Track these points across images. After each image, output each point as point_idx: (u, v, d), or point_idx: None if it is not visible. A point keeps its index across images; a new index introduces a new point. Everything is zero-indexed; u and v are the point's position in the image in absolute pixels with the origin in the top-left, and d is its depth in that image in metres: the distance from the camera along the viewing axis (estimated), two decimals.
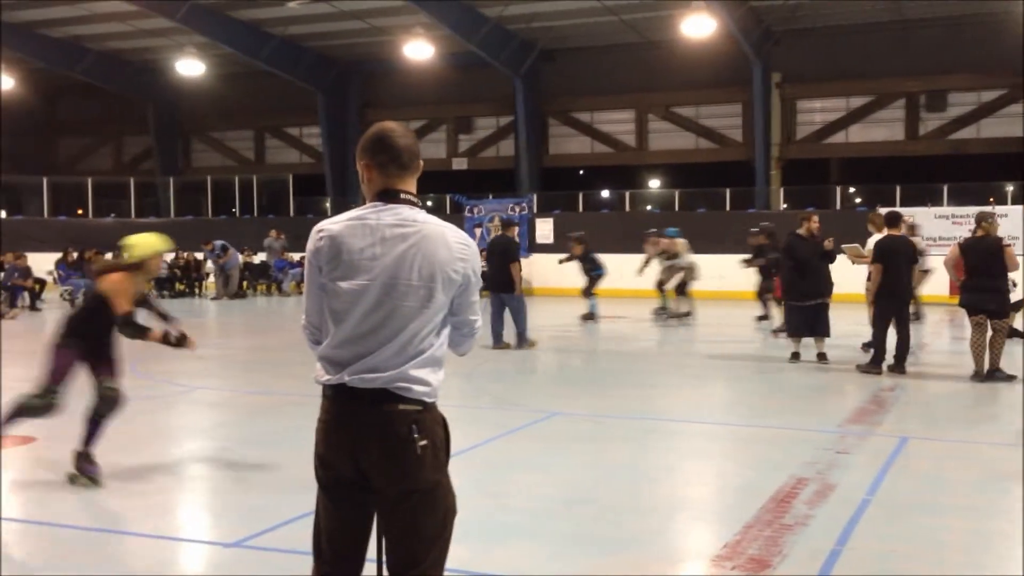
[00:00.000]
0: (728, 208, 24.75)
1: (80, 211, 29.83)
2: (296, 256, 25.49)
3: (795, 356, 11.30)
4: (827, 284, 11.16)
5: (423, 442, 2.68)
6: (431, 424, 2.73)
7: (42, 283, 21.27)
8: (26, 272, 20.46)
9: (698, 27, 21.90)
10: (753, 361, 12.01)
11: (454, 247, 2.76)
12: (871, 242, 11.49)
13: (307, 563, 4.61)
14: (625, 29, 25.48)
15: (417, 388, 2.71)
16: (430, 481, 2.72)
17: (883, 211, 12.33)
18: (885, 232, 10.64)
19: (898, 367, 10.22)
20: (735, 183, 25.68)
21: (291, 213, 28.97)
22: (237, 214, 29.44)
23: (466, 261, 2.79)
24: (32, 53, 27.11)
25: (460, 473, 3.28)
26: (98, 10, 24.65)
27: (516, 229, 13.83)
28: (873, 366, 10.30)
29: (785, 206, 25.21)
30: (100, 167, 33.11)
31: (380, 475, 2.70)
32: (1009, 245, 10.10)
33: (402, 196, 2.79)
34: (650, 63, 26.51)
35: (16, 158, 32.13)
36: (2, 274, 20.84)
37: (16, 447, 7.17)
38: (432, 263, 2.71)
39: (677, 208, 26.06)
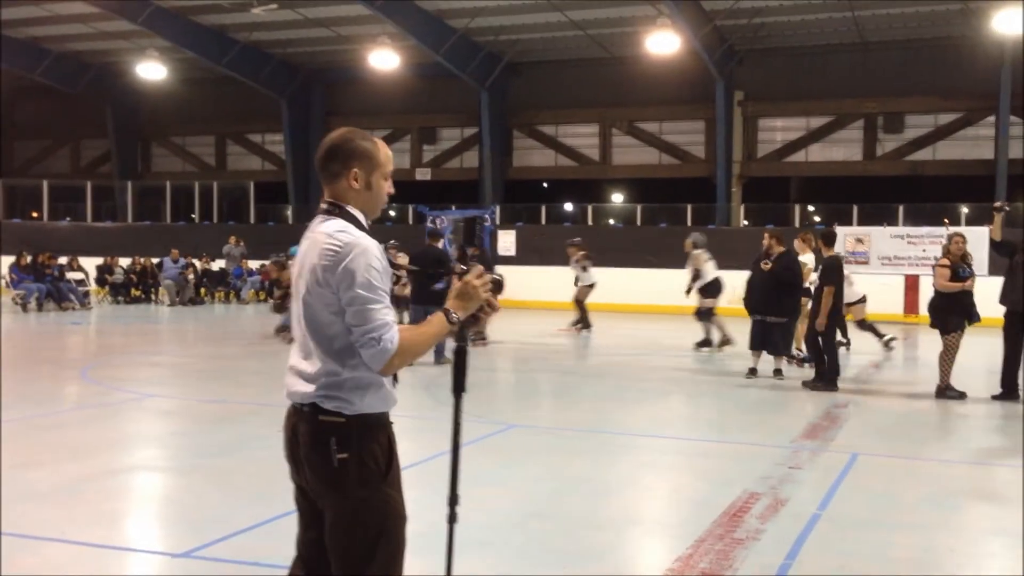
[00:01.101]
0: (689, 223, 24.93)
1: (35, 214, 29.35)
2: (255, 264, 25.31)
3: (752, 372, 11.40)
4: (783, 302, 11.17)
5: (342, 455, 2.66)
6: (355, 437, 2.69)
7: None
8: None
9: (663, 44, 22.12)
10: (712, 376, 12.08)
11: (321, 250, 2.70)
12: (803, 260, 11.80)
13: (257, 572, 4.57)
14: (591, 44, 25.65)
15: (335, 400, 2.69)
16: (352, 497, 2.68)
17: (816, 230, 12.56)
18: (826, 252, 10.77)
19: (832, 384, 10.44)
20: (696, 199, 25.91)
21: (252, 220, 28.75)
22: (197, 220, 29.14)
23: (331, 264, 2.66)
24: None
25: (414, 485, 3.26)
26: (59, 11, 24.34)
27: (442, 241, 14.05)
28: (827, 384, 10.41)
29: (745, 223, 25.48)
30: (57, 170, 32.62)
31: (309, 485, 2.78)
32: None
33: (321, 206, 2.84)
34: (615, 78, 26.69)
35: None
36: None
37: None
38: (311, 271, 2.71)
39: (639, 222, 26.22)
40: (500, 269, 23.59)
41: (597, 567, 4.77)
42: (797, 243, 12.25)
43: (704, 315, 14.21)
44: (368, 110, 29.08)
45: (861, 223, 22.74)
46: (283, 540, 4.82)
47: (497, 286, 2.93)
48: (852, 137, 26.02)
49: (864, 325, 14.29)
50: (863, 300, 14.17)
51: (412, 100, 28.44)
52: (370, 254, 2.67)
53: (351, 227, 2.73)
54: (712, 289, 13.95)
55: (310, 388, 2.72)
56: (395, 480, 2.78)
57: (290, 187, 29.72)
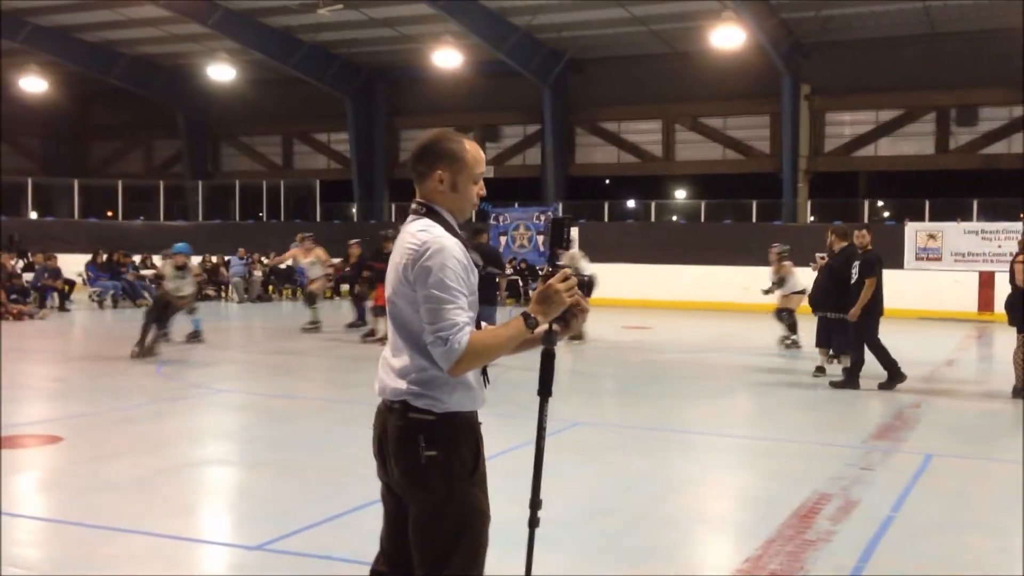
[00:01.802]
0: (755, 220, 24.67)
1: (110, 213, 30.16)
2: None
3: (820, 370, 11.23)
4: (841, 298, 10.60)
5: (430, 452, 2.69)
6: (444, 435, 2.71)
7: (71, 284, 21.51)
8: (56, 273, 20.71)
9: (727, 38, 21.88)
10: (777, 374, 11.93)
11: (403, 249, 2.74)
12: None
13: (330, 567, 4.66)
14: (654, 40, 25.48)
15: (425, 397, 2.72)
16: (437, 495, 2.71)
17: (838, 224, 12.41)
18: (862, 245, 10.52)
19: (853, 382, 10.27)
20: (762, 195, 25.59)
21: (318, 218, 29.18)
22: (264, 218, 29.67)
23: (410, 262, 2.69)
24: (67, 57, 27.49)
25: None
26: (132, 15, 24.97)
27: (486, 236, 14.28)
28: (891, 380, 10.21)
29: (812, 219, 25.08)
30: (131, 170, 33.47)
31: (395, 481, 2.80)
32: None
33: (410, 206, 2.88)
34: (678, 74, 26.47)
35: (48, 161, 32.60)
36: (32, 275, 21.12)
37: (42, 446, 7.26)
38: (396, 270, 2.76)
39: (703, 219, 26.00)
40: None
41: (664, 566, 4.76)
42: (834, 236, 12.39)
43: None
44: (431, 108, 29.28)
45: (932, 219, 22.23)
46: (356, 534, 4.93)
47: (587, 287, 2.88)
48: (923, 130, 25.44)
49: (782, 316, 14.32)
50: (802, 292, 14.06)
51: (475, 98, 28.56)
52: (447, 253, 2.67)
53: (434, 226, 2.75)
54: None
55: (400, 385, 2.74)
56: (481, 479, 2.80)
57: (355, 185, 30.08)
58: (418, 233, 2.72)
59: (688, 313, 20.97)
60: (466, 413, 2.78)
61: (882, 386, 10.27)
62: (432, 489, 2.70)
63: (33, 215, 29.20)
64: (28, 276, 21.14)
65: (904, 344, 13.84)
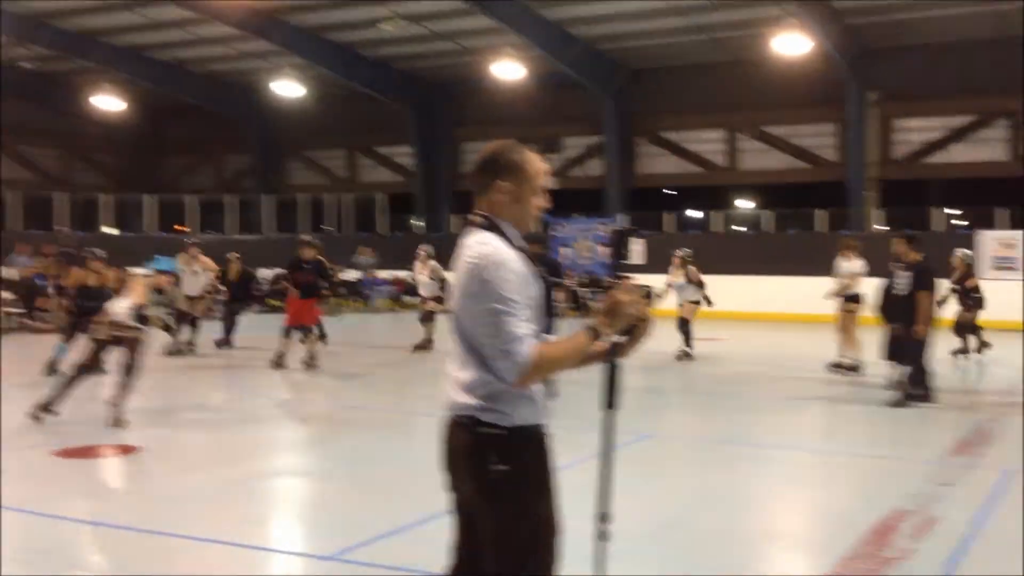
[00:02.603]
0: (821, 229, 24.27)
1: (180, 227, 30.83)
2: (385, 274, 25.96)
3: (896, 384, 10.95)
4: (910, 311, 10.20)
5: (499, 467, 2.68)
6: (513, 449, 2.70)
7: None
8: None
9: (791, 45, 21.60)
10: (848, 387, 11.70)
11: (463, 263, 2.74)
12: (855, 266, 12.31)
13: None
14: (716, 48, 25.27)
15: (493, 412, 2.71)
16: (508, 509, 2.70)
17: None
18: (913, 256, 10.18)
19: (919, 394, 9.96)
20: (829, 204, 25.17)
21: (382, 231, 29.49)
22: (330, 231, 30.07)
23: (469, 276, 2.68)
24: (140, 75, 28.23)
25: None
26: (202, 34, 25.57)
27: (540, 247, 14.05)
28: (910, 400, 9.87)
29: (882, 227, 24.60)
30: (201, 185, 34.19)
31: (464, 496, 2.80)
32: None
33: (469, 218, 2.87)
34: (741, 82, 26.20)
35: (123, 176, 33.49)
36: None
37: (119, 456, 7.44)
38: (458, 283, 2.75)
39: (768, 229, 25.66)
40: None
41: None
42: (849, 251, 12.57)
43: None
44: (492, 120, 29.41)
45: (1013, 227, 21.63)
46: (425, 545, 4.94)
47: (649, 299, 2.87)
48: (998, 136, 24.76)
49: (684, 327, 14.33)
50: (697, 303, 14.11)
51: (536, 110, 28.61)
52: (505, 266, 2.66)
53: (493, 239, 2.74)
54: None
55: (468, 399, 2.74)
56: (551, 492, 2.79)
57: (418, 198, 30.32)
58: (475, 246, 2.72)
59: (755, 324, 20.69)
60: (534, 426, 2.77)
61: (896, 403, 9.82)
62: (503, 503, 2.69)
63: (109, 229, 29.98)
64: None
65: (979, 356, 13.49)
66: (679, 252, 14.45)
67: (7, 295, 18.55)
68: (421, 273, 15.04)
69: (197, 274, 14.54)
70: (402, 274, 26.53)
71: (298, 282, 12.95)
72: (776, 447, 8.17)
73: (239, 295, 16.05)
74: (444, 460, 2.87)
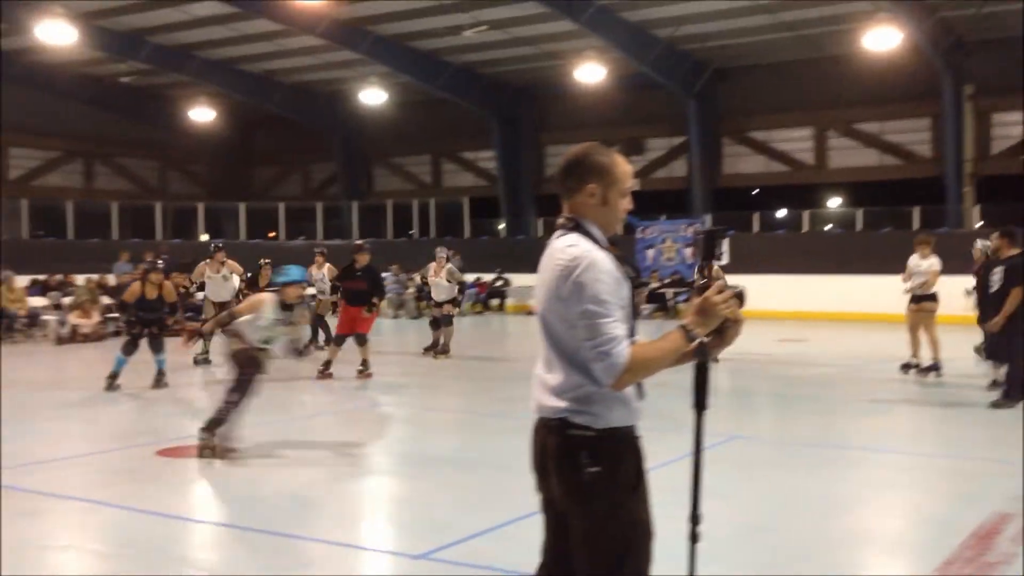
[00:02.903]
0: (916, 227, 23.60)
1: (272, 234, 31.63)
2: (470, 278, 26.14)
3: (994, 384, 10.60)
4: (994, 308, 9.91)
5: (592, 469, 2.68)
6: (606, 451, 2.71)
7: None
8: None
9: (882, 40, 21.05)
10: (943, 387, 11.36)
11: (553, 265, 2.73)
12: (933, 264, 11.96)
13: None
14: (803, 44, 24.81)
15: (584, 414, 2.71)
16: (600, 511, 2.70)
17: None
18: (1008, 251, 9.82)
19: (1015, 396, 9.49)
20: (924, 201, 24.46)
21: (466, 235, 29.74)
22: (416, 236, 30.45)
23: (561, 279, 2.68)
24: (231, 87, 29.07)
25: None
26: (289, 45, 26.18)
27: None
28: (1009, 399, 9.50)
29: (980, 224, 23.78)
30: (290, 193, 35.02)
31: (557, 498, 2.80)
32: None
33: (558, 221, 2.87)
34: (829, 78, 25.66)
35: (216, 186, 34.53)
36: (202, 294, 22.32)
37: (218, 457, 7.66)
38: (547, 286, 2.75)
39: (860, 227, 25.06)
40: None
41: None
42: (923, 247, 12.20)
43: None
44: (575, 123, 29.40)
45: None
46: (515, 544, 4.97)
47: (739, 299, 2.85)
48: None
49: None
50: None
51: (618, 112, 28.50)
52: (599, 267, 2.66)
53: (582, 240, 2.75)
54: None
55: (558, 402, 2.74)
56: (643, 494, 2.79)
57: (502, 202, 30.49)
58: (567, 248, 2.72)
59: (846, 324, 20.23)
60: (626, 428, 2.77)
61: (996, 404, 9.53)
62: (596, 505, 2.69)
63: (204, 237, 30.93)
64: (201, 295, 22.35)
65: None
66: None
67: (109, 301, 19.29)
68: (437, 276, 14.71)
69: (226, 279, 14.29)
70: (487, 277, 26.74)
71: (350, 289, 12.56)
72: (867, 449, 7.98)
73: None
74: (535, 462, 2.88)
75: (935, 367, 12.04)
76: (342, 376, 12.27)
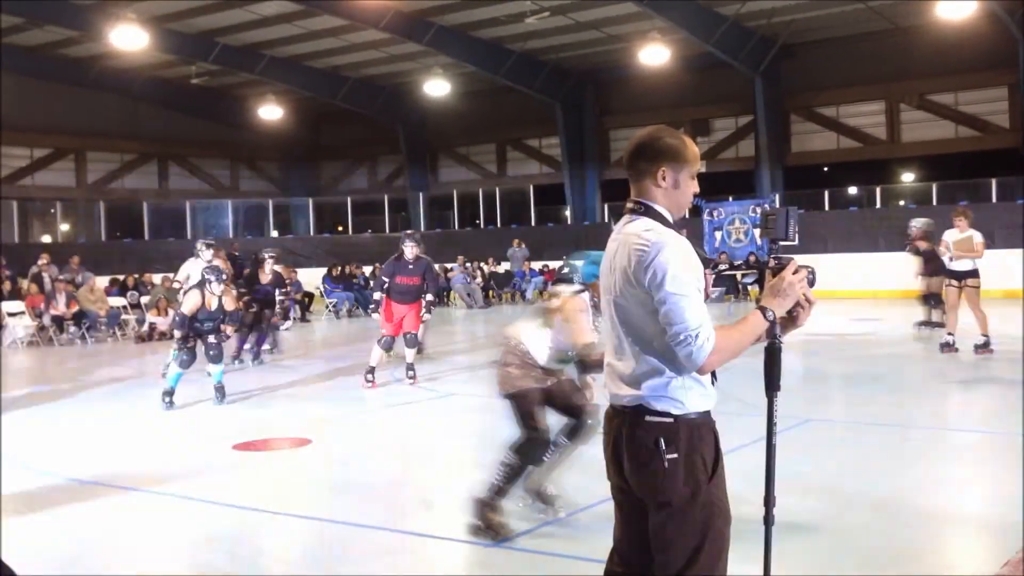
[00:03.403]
0: (994, 199, 22.91)
1: (340, 228, 32.08)
2: (537, 265, 26.22)
3: None
4: None
5: (671, 456, 2.68)
6: (684, 437, 2.70)
7: (311, 296, 23.06)
8: (297, 286, 22.26)
9: (955, 8, 20.43)
10: (1010, 364, 11.01)
11: (631, 250, 2.70)
12: (975, 237, 11.43)
13: (562, 565, 4.77)
14: (872, 16, 24.21)
15: (663, 400, 2.71)
16: (680, 497, 2.70)
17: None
18: None
19: None
20: (1001, 172, 23.70)
21: (532, 223, 29.77)
22: (481, 225, 30.58)
23: (640, 264, 2.65)
24: (298, 84, 29.52)
25: None
26: (355, 40, 26.47)
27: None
28: None
29: None
30: (357, 186, 35.45)
31: (635, 486, 2.78)
32: None
33: (627, 205, 2.85)
34: (901, 50, 25.01)
35: (286, 182, 35.14)
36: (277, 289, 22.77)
37: (294, 448, 7.83)
38: (623, 272, 2.72)
39: (935, 202, 24.43)
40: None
41: (915, 567, 4.54)
42: (962, 219, 11.69)
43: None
44: (640, 106, 29.17)
45: None
46: (590, 532, 5.00)
47: (811, 280, 2.83)
48: None
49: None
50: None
51: (683, 93, 28.20)
52: (679, 251, 2.65)
53: (657, 225, 2.73)
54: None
55: (634, 389, 2.74)
56: (720, 479, 2.78)
57: (567, 188, 30.44)
58: (644, 233, 2.70)
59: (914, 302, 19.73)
60: (703, 413, 2.76)
61: None
62: (675, 492, 2.69)
63: (274, 233, 31.52)
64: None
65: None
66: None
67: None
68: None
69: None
70: (553, 264, 26.75)
71: (402, 284, 10.98)
72: (944, 429, 7.82)
73: (268, 301, 13.61)
74: (609, 449, 2.88)
75: (987, 343, 11.61)
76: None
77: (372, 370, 10.91)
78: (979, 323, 11.68)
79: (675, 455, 2.68)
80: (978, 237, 11.61)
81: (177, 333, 10.02)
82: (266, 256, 13.91)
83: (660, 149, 2.81)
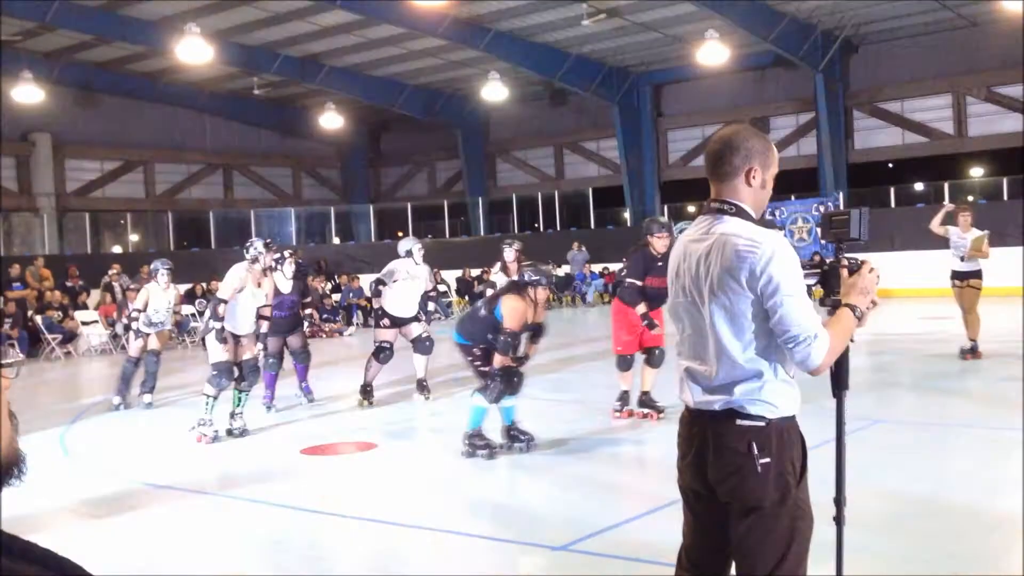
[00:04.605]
0: None
1: (400, 234, 32.36)
2: (597, 268, 26.15)
3: None
4: None
5: (764, 460, 2.65)
6: (775, 441, 2.67)
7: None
8: (359, 292, 22.54)
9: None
10: None
11: (735, 252, 2.64)
12: (979, 235, 10.96)
13: (630, 568, 4.76)
14: (936, 9, 23.69)
15: (757, 404, 2.68)
16: (770, 502, 2.67)
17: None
18: None
19: None
20: None
21: (591, 225, 29.70)
22: (541, 229, 30.60)
23: (749, 266, 2.61)
24: (358, 93, 29.86)
25: None
26: (413, 47, 26.70)
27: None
28: None
29: None
30: (417, 192, 35.73)
31: (722, 490, 2.74)
32: None
33: (712, 205, 2.81)
34: (966, 43, 24.43)
35: (347, 189, 35.59)
36: (339, 295, 23.09)
37: (359, 452, 7.93)
38: (721, 273, 2.66)
39: (1006, 197, 23.80)
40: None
41: (990, 569, 4.44)
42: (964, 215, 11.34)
43: None
44: (697, 107, 28.95)
45: None
46: (655, 535, 4.99)
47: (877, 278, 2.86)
48: None
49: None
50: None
51: (742, 92, 27.91)
52: (789, 251, 2.64)
53: (753, 226, 2.71)
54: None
55: (725, 394, 2.71)
56: (806, 483, 2.76)
57: (626, 190, 30.30)
58: (750, 234, 2.66)
59: (995, 300, 19.23)
60: (791, 416, 2.74)
61: None
62: (767, 496, 2.66)
63: (336, 240, 31.91)
64: (336, 297, 23.13)
65: None
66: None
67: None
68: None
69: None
70: (613, 267, 26.66)
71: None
72: (1015, 429, 7.60)
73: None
74: (689, 453, 2.82)
75: (975, 348, 11.26)
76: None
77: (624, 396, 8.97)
78: (970, 326, 11.32)
79: (767, 459, 2.65)
80: (984, 236, 11.27)
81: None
82: (286, 255, 10.47)
83: (751, 149, 2.78)
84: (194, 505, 6.46)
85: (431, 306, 11.02)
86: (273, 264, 9.51)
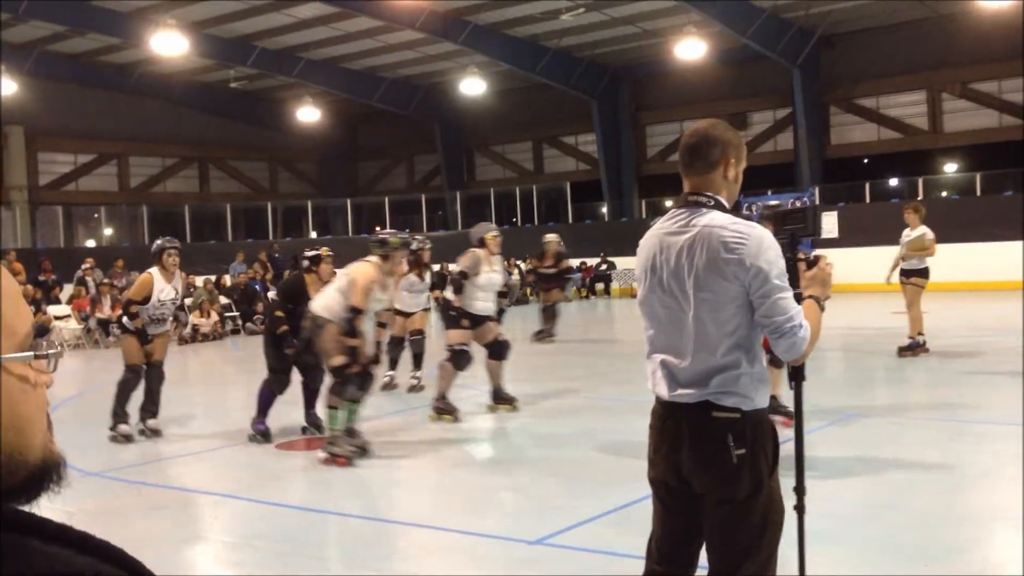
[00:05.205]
0: None
1: (378, 228, 32.23)
2: (575, 262, 26.14)
3: None
4: None
5: (740, 451, 2.66)
6: (751, 432, 2.69)
7: None
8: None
9: None
10: None
11: (721, 243, 2.64)
12: (927, 234, 11.07)
13: (606, 561, 4.77)
14: (912, 5, 23.88)
15: (734, 396, 2.69)
16: (744, 492, 2.68)
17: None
18: None
19: None
20: None
21: (570, 220, 29.73)
22: (519, 223, 30.60)
23: (736, 257, 2.62)
24: (335, 86, 29.73)
25: None
26: (390, 41, 26.61)
27: None
28: None
29: None
30: (395, 186, 35.63)
31: (697, 481, 2.75)
32: None
33: (689, 198, 2.80)
34: (942, 38, 24.65)
35: (324, 183, 35.42)
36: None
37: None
38: (707, 265, 2.66)
39: (979, 192, 24.03)
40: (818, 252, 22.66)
41: (959, 565, 4.48)
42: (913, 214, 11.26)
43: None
44: (676, 102, 29.02)
45: None
46: (632, 528, 5.00)
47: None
48: None
49: (549, 311, 14.72)
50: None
51: (720, 87, 28.01)
52: (773, 242, 2.68)
53: (741, 219, 2.72)
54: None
55: (701, 387, 2.71)
56: (776, 474, 2.79)
57: (604, 185, 30.37)
58: (736, 226, 2.66)
59: (966, 294, 19.44)
60: (764, 408, 2.77)
61: None
62: (742, 487, 2.68)
63: (313, 234, 31.76)
64: None
65: None
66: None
67: (226, 301, 20.03)
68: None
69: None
70: (591, 261, 26.69)
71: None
72: (988, 422, 7.69)
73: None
74: (662, 446, 2.82)
75: (913, 345, 11.36)
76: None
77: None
78: (912, 323, 11.41)
79: (743, 451, 2.67)
80: (930, 234, 11.29)
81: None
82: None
83: (728, 141, 2.81)
84: (194, 505, 6.42)
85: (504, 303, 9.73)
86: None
